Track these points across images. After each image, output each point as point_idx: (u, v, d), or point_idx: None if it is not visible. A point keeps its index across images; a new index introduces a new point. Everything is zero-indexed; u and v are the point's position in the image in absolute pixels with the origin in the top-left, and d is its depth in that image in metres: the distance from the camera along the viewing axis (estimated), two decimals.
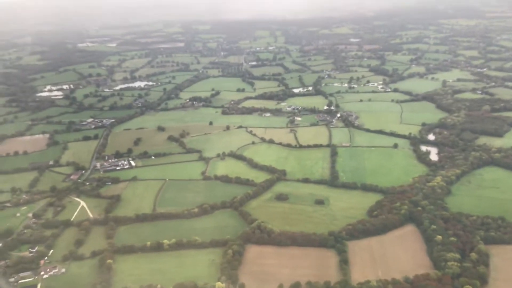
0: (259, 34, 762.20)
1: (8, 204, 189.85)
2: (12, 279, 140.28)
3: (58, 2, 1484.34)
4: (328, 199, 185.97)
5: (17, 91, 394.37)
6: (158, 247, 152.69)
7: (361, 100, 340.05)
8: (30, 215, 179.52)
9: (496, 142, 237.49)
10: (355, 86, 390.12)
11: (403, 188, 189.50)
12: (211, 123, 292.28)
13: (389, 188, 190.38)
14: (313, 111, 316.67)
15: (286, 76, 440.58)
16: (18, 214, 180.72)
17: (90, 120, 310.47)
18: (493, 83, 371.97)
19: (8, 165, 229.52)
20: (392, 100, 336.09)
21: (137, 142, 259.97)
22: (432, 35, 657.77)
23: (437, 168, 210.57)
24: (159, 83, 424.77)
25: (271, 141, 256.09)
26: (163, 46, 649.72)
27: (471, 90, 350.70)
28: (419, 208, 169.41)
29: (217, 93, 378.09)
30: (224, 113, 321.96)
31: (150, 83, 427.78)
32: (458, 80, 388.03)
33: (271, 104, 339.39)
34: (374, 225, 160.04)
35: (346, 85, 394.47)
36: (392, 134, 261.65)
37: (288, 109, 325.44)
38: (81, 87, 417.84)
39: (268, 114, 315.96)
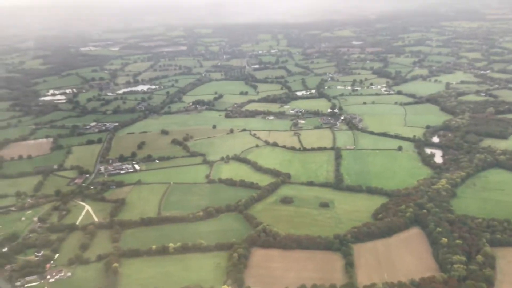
0: (261, 37, 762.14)
1: (13, 208, 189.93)
2: (18, 283, 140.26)
3: (61, 7, 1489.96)
4: (333, 202, 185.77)
5: (20, 95, 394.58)
6: (163, 251, 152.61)
7: (364, 103, 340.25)
8: (35, 219, 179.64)
9: (501, 144, 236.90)
10: (358, 88, 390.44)
11: (408, 190, 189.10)
12: (214, 127, 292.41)
13: (394, 191, 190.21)
14: (316, 114, 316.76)
15: (289, 79, 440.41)
16: (23, 218, 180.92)
17: (93, 124, 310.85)
18: (497, 85, 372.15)
19: (13, 169, 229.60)
20: (396, 103, 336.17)
21: (141, 145, 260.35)
22: (434, 37, 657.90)
23: (441, 170, 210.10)
24: (162, 87, 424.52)
25: (275, 144, 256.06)
26: (166, 50, 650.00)
27: (474, 92, 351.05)
28: (424, 211, 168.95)
29: (220, 96, 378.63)
30: (227, 116, 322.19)
31: (153, 87, 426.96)
32: (462, 82, 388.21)
33: (274, 107, 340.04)
34: (379, 228, 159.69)
35: (349, 87, 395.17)
36: (396, 136, 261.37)
37: (291, 112, 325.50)
38: (84, 91, 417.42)
39: (271, 117, 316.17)
